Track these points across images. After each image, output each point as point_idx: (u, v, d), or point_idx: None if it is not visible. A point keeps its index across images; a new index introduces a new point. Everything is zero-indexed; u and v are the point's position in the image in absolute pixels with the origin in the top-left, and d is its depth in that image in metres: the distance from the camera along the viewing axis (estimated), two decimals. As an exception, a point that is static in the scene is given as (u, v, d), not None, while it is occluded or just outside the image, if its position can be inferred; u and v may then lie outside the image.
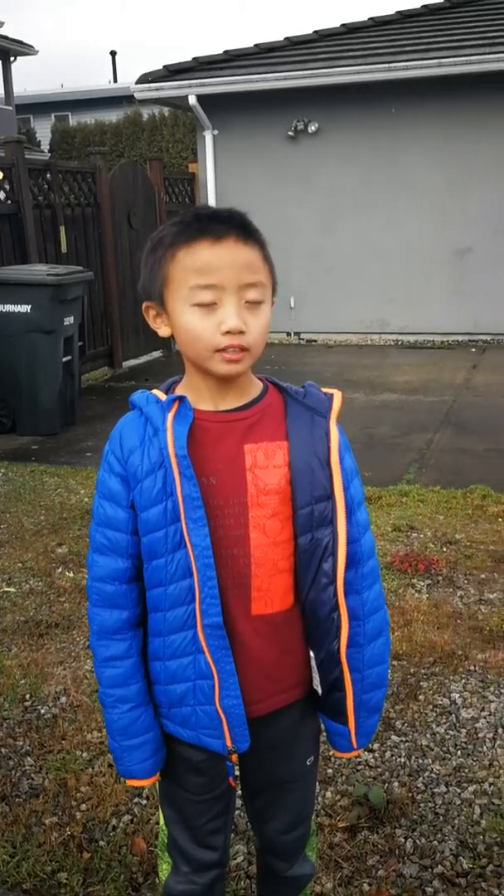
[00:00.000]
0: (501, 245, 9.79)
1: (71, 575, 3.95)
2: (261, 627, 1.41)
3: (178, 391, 1.41)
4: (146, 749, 1.47)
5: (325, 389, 1.43)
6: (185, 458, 1.31)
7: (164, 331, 1.37)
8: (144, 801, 2.41)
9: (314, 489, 1.36)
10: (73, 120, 24.85)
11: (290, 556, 1.39)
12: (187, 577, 1.35)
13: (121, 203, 8.99)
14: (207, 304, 1.28)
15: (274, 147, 10.22)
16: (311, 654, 1.44)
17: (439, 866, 2.16)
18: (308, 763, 1.58)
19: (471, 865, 2.15)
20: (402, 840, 2.25)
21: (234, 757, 1.43)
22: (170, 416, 1.34)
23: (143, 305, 1.39)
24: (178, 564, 1.36)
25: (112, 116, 21.75)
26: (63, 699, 2.95)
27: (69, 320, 6.50)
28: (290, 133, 10.09)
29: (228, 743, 1.41)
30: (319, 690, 1.47)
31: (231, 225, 1.29)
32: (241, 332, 1.29)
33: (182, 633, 1.39)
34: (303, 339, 10.64)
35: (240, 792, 1.69)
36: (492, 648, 3.18)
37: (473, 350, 9.70)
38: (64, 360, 6.55)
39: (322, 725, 1.59)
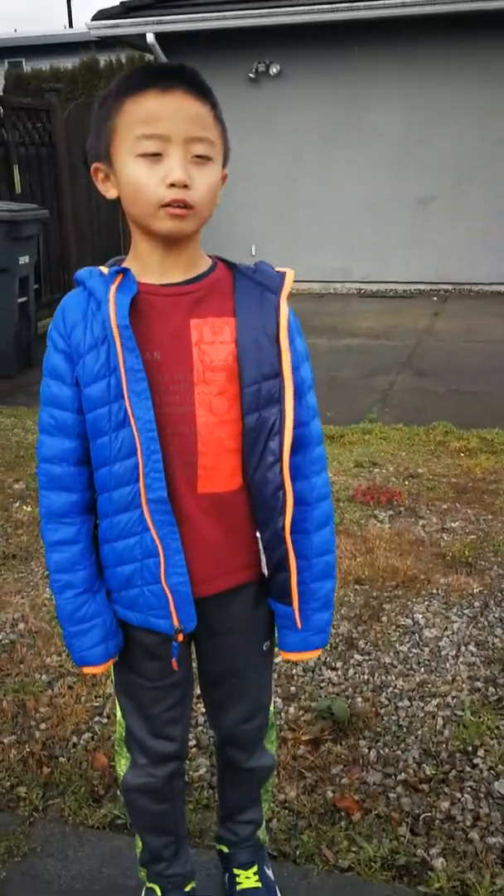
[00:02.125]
0: (463, 194, 9.72)
1: (28, 509, 3.87)
2: (207, 506, 1.38)
3: (124, 265, 1.35)
4: (94, 635, 1.44)
5: (277, 268, 1.39)
6: (128, 329, 1.27)
7: (111, 193, 1.32)
8: (105, 720, 2.38)
9: (261, 367, 1.32)
10: (27, 66, 24.06)
11: (238, 435, 1.35)
12: (132, 456, 1.32)
13: (77, 144, 8.73)
14: (152, 155, 1.24)
15: (234, 90, 9.97)
16: (258, 534, 1.41)
17: (402, 774, 2.16)
18: (265, 648, 1.56)
19: (434, 772, 2.16)
20: (366, 751, 2.24)
21: (181, 637, 1.40)
22: (112, 287, 1.30)
23: (92, 167, 1.33)
24: (122, 442, 1.32)
25: (67, 63, 21.06)
26: (21, 626, 2.90)
27: (24, 259, 6.32)
28: (252, 75, 9.86)
29: (175, 622, 1.39)
30: (266, 572, 1.45)
31: (180, 78, 1.25)
32: (186, 187, 1.24)
33: (128, 512, 1.35)
34: (264, 289, 10.50)
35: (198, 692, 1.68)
36: (454, 573, 3.18)
37: (435, 299, 9.68)
38: (19, 301, 6.39)
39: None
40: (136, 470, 1.32)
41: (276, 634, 1.53)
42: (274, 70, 9.79)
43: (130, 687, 1.53)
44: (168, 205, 1.24)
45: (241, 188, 10.02)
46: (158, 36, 9.62)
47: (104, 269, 1.34)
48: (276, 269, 1.39)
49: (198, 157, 1.25)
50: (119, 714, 1.59)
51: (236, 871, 1.76)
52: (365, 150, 9.88)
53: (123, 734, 1.59)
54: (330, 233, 10.20)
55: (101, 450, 1.35)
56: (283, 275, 1.37)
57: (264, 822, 1.81)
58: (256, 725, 1.62)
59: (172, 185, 1.23)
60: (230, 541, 1.42)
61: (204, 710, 1.71)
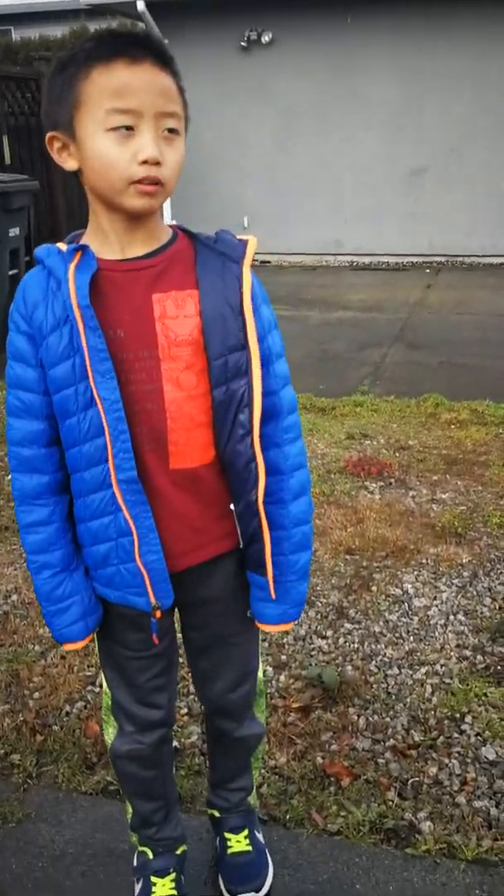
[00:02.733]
0: (456, 165, 9.66)
1: (21, 482, 3.87)
2: (181, 481, 1.37)
3: (83, 241, 1.33)
4: (73, 612, 1.44)
5: (239, 236, 1.37)
6: (89, 308, 1.25)
7: (70, 164, 1.27)
8: (97, 689, 2.40)
9: (227, 339, 1.31)
10: (15, 35, 23.70)
11: (208, 409, 1.34)
12: (101, 435, 1.30)
13: (67, 114, 8.64)
14: (124, 131, 1.20)
15: (226, 58, 9.87)
16: (232, 506, 1.42)
17: (391, 740, 2.19)
18: (249, 615, 1.56)
19: (422, 738, 2.19)
20: (355, 718, 2.27)
21: (158, 613, 1.41)
22: (72, 266, 1.26)
23: (48, 136, 1.28)
24: (90, 422, 1.30)
25: (57, 31, 20.76)
26: (14, 597, 2.92)
27: (14, 231, 6.27)
28: (243, 44, 9.74)
29: (152, 600, 1.39)
30: (241, 543, 1.45)
31: (149, 48, 1.21)
32: (158, 164, 1.21)
33: (101, 492, 1.35)
34: (256, 260, 10.44)
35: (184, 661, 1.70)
36: (443, 543, 3.21)
37: (428, 271, 9.65)
38: (10, 273, 6.34)
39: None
40: (104, 450, 1.31)
41: (251, 607, 1.53)
42: (266, 38, 9.67)
43: (115, 658, 1.54)
44: (139, 181, 1.21)
45: (233, 158, 9.97)
46: (149, 4, 9.48)
47: (62, 246, 1.31)
48: (238, 237, 1.37)
49: (168, 131, 1.23)
50: (105, 684, 1.60)
51: (227, 835, 1.79)
52: (358, 119, 9.79)
53: (109, 703, 1.60)
54: (322, 204, 10.14)
55: (70, 431, 1.34)
56: (244, 243, 1.35)
57: (255, 789, 1.84)
58: (244, 693, 1.63)
59: (144, 162, 1.20)
60: (206, 513, 1.42)
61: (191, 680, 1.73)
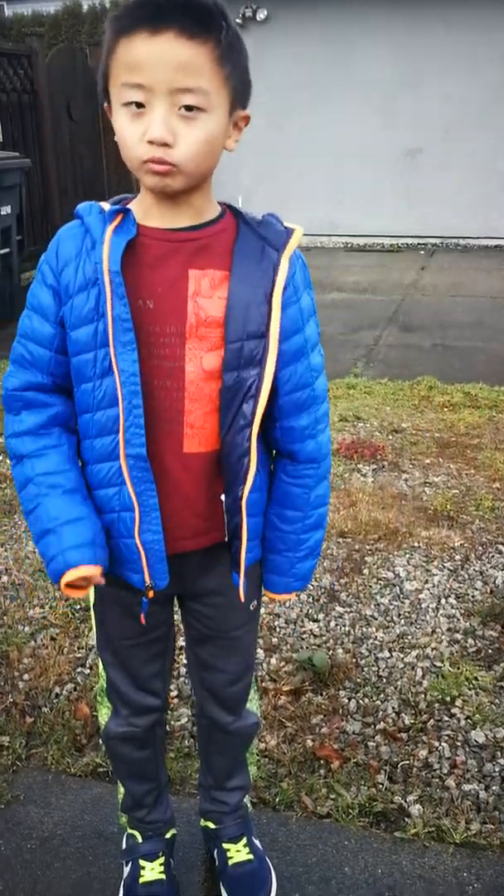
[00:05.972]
0: (452, 147, 9.59)
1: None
2: (192, 465, 1.33)
3: (129, 206, 1.28)
4: (84, 527, 1.29)
5: (286, 224, 1.31)
6: (118, 275, 1.21)
7: None
8: (87, 671, 2.39)
9: (248, 324, 1.25)
10: (8, 10, 23.40)
11: None
12: (113, 406, 1.27)
13: (60, 92, 8.53)
14: (137, 106, 1.15)
15: (221, 36, 9.74)
16: (223, 497, 1.36)
17: (381, 723, 2.19)
18: (251, 608, 1.53)
19: (412, 721, 2.19)
20: (346, 701, 2.27)
21: (151, 593, 1.37)
22: (110, 228, 1.22)
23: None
24: (105, 391, 1.27)
25: (50, 7, 20.52)
26: (5, 578, 2.90)
27: (6, 210, 6.21)
28: (238, 20, 9.62)
29: (147, 579, 1.36)
30: (227, 537, 1.40)
31: (176, 16, 1.10)
32: (167, 145, 1.14)
33: (108, 462, 1.31)
34: (250, 242, 10.39)
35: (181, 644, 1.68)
36: (435, 526, 3.20)
37: (422, 252, 9.61)
38: (1, 252, 6.28)
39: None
40: (117, 421, 1.27)
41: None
42: (261, 15, 9.58)
43: (111, 644, 1.52)
44: (149, 161, 1.16)
45: (227, 138, 9.84)
46: (142, -22, 9.34)
47: (105, 206, 1.27)
48: (285, 224, 1.30)
49: (186, 108, 1.13)
50: (101, 667, 1.59)
51: (226, 845, 1.73)
52: (353, 100, 9.71)
53: (104, 686, 1.59)
54: (317, 185, 10.06)
55: (84, 396, 1.30)
56: (289, 232, 1.28)
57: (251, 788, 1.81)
58: (244, 686, 1.60)
59: (151, 142, 1.14)
60: (213, 500, 1.37)
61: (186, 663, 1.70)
